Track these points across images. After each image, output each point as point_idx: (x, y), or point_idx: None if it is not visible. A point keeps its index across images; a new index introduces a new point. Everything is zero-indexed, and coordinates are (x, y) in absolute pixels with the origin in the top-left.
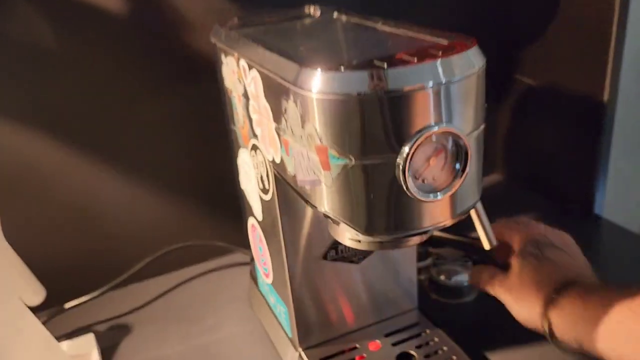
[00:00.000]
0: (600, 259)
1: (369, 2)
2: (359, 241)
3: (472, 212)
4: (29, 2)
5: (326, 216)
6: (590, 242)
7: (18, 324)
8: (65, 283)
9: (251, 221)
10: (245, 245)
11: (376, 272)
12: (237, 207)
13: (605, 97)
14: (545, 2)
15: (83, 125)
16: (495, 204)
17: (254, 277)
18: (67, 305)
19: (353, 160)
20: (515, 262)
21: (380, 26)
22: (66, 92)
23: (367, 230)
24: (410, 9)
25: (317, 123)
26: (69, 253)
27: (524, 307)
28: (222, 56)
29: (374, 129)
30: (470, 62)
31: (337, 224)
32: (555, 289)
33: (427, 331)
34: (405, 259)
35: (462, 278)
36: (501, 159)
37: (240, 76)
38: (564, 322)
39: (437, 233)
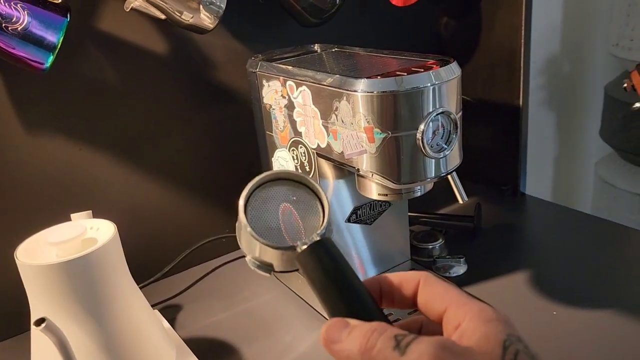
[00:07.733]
0: (528, 225)
1: (345, 38)
2: (386, 194)
3: (450, 177)
4: (98, 49)
5: (360, 176)
6: (520, 214)
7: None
8: None
9: None
10: None
11: (380, 232)
12: None
13: (520, 102)
14: (469, 36)
15: (138, 144)
16: (448, 193)
17: None
18: None
19: (390, 133)
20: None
21: (380, 53)
22: (121, 118)
23: (397, 180)
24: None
25: (365, 112)
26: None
27: None
28: (263, 81)
29: (401, 113)
30: (453, 71)
31: (372, 181)
32: None
33: None
34: (401, 223)
35: (431, 245)
36: None
37: (285, 93)
38: None
39: (411, 214)
